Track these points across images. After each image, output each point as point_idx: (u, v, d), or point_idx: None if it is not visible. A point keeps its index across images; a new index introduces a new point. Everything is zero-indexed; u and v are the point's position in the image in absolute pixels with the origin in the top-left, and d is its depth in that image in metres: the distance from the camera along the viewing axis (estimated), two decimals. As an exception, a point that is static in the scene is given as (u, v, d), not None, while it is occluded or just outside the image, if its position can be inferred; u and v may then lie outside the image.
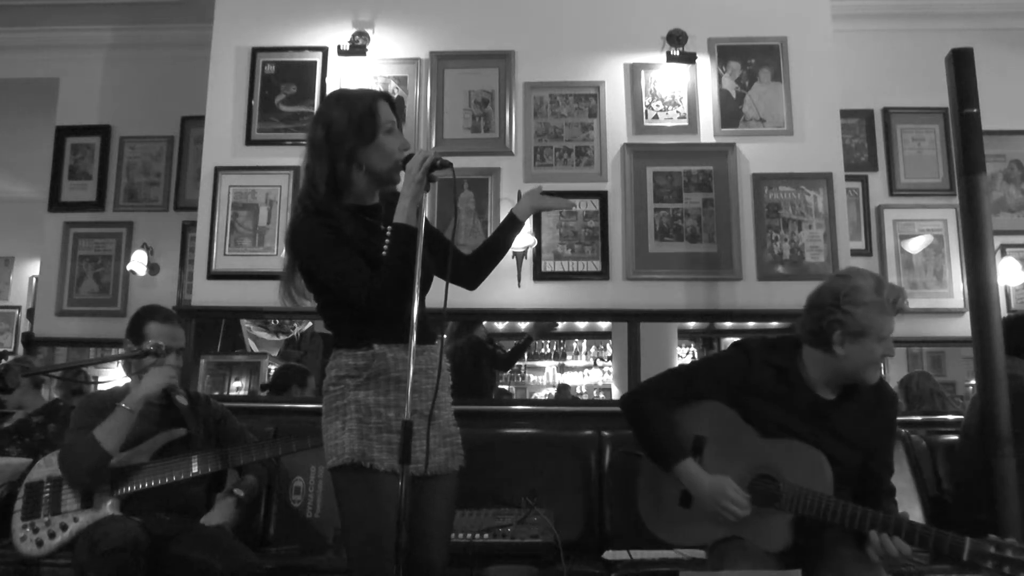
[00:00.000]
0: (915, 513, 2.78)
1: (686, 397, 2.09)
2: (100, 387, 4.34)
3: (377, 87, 3.80)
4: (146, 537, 2.17)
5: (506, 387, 7.49)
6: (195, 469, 2.41)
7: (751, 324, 4.79)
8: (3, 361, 4.00)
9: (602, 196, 3.69)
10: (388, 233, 1.78)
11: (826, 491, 1.87)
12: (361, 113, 1.84)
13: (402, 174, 1.82)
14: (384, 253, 1.77)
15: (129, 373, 2.57)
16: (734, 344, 2.20)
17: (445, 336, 1.92)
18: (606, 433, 2.98)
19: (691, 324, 5.46)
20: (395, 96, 3.77)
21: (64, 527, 2.32)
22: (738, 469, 1.96)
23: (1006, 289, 4.48)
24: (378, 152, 1.85)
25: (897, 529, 1.74)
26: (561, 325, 7.82)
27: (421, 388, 1.81)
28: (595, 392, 7.96)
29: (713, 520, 1.97)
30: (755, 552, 1.88)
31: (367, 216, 1.87)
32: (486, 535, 2.52)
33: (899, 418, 3.43)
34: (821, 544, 1.91)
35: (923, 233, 4.48)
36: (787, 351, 2.07)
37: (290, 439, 2.62)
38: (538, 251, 3.65)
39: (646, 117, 3.76)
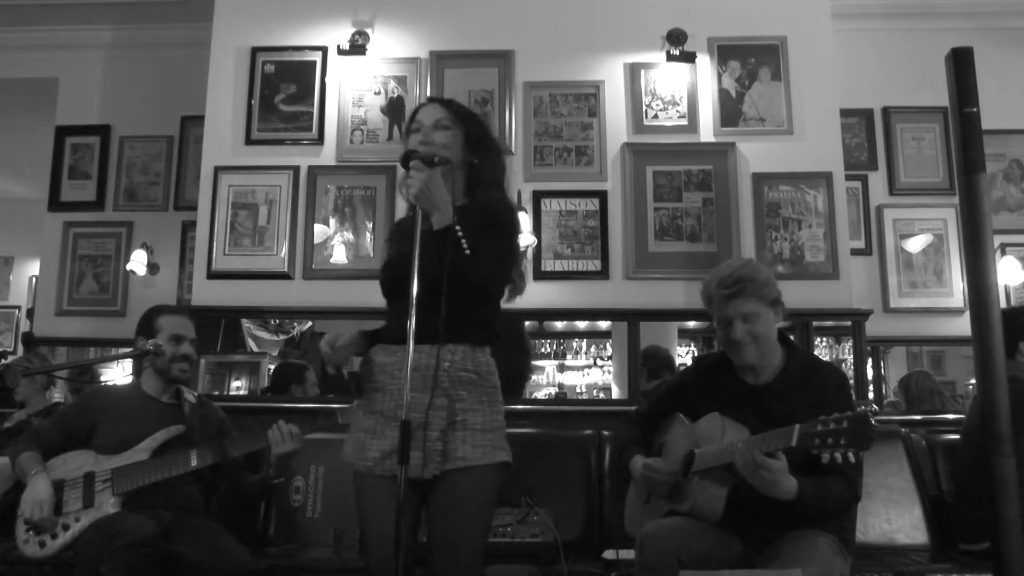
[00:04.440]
0: (915, 512, 2.78)
1: (657, 413, 2.30)
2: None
3: (377, 87, 3.81)
4: (159, 533, 2.20)
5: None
6: (194, 462, 2.42)
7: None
8: (3, 361, 4.00)
9: (602, 195, 3.69)
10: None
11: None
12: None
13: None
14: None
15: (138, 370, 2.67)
16: None
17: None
18: (606, 433, 2.97)
19: (691, 324, 5.45)
20: (395, 96, 3.79)
21: (66, 527, 2.33)
22: (678, 457, 2.12)
23: (1006, 288, 4.50)
24: None
25: (760, 445, 1.86)
26: (561, 325, 7.84)
27: (386, 389, 1.81)
28: (595, 392, 7.95)
29: (661, 502, 2.11)
30: (689, 523, 1.97)
31: None
32: (486, 534, 2.52)
33: (899, 418, 3.44)
34: (766, 522, 1.96)
35: (923, 232, 4.48)
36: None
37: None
38: (538, 250, 3.65)
39: (646, 116, 3.76)
